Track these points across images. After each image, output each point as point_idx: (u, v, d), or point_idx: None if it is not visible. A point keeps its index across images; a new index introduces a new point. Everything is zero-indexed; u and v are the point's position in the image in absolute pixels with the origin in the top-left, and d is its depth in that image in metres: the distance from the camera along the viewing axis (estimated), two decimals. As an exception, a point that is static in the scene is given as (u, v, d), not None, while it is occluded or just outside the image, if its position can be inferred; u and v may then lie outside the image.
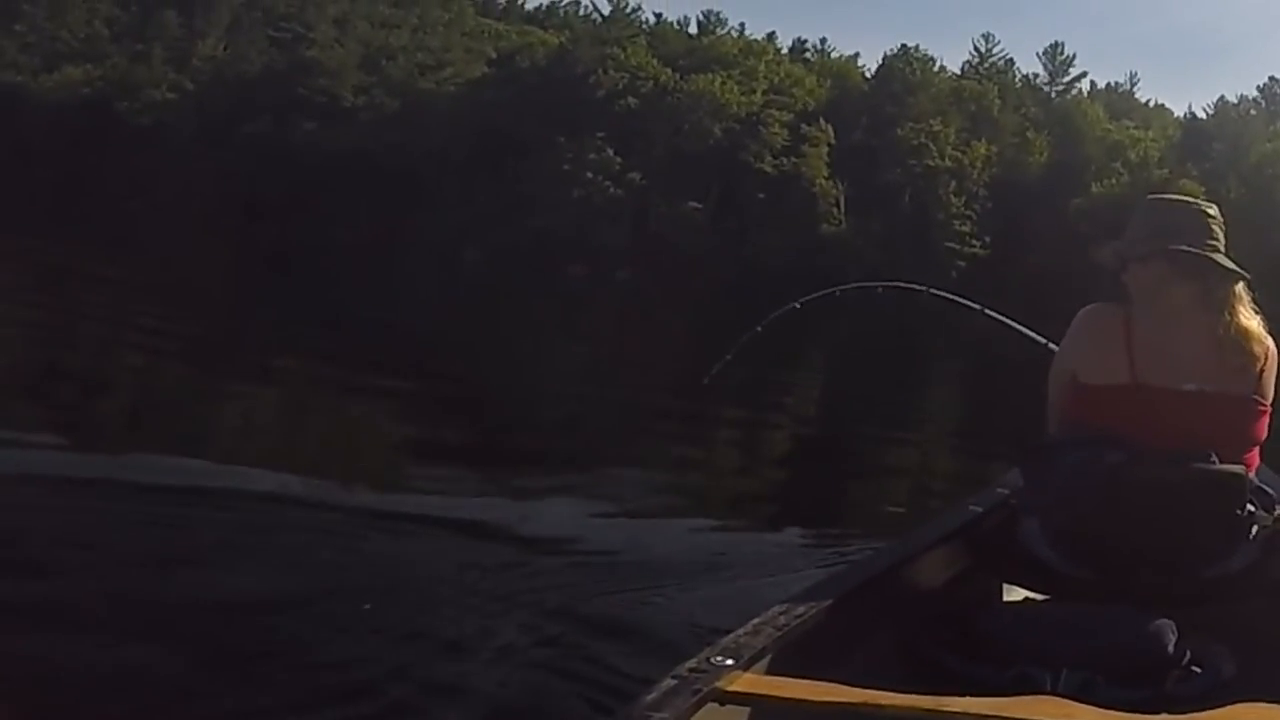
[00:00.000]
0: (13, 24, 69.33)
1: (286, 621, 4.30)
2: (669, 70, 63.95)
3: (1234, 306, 3.06)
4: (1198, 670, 2.64)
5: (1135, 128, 64.52)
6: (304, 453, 8.29)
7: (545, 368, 15.60)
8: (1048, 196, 56.49)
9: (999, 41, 77.71)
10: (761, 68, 66.03)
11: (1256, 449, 3.11)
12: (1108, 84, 73.81)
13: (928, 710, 2.13)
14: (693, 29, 74.09)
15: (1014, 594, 3.38)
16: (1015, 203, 57.78)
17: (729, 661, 2.22)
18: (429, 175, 59.80)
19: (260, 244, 38.79)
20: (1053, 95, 69.79)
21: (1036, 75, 71.41)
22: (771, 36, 73.93)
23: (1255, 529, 2.98)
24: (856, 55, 74.34)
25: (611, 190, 59.57)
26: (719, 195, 59.97)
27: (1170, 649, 2.66)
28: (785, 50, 73.22)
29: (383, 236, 49.28)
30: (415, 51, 69.98)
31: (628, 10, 73.37)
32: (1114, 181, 56.93)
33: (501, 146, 59.85)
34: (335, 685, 3.76)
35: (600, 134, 60.37)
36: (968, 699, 2.18)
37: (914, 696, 2.17)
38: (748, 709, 2.22)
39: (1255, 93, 64.81)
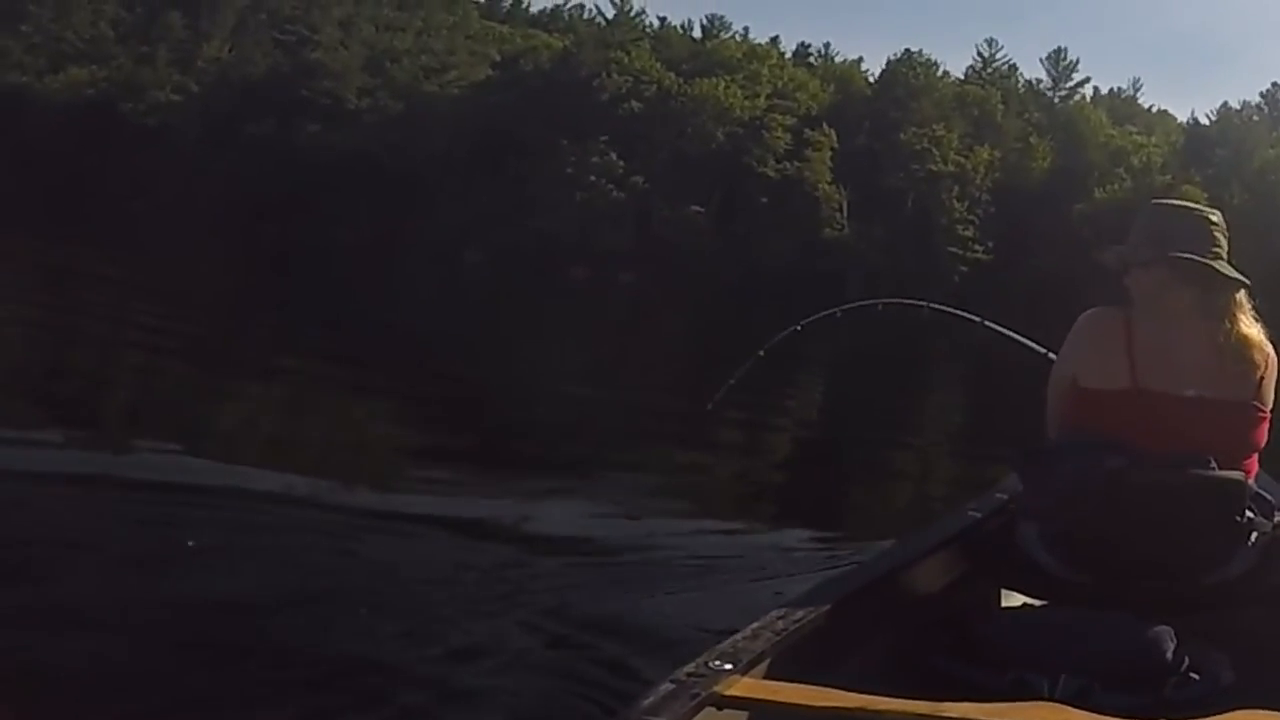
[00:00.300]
0: (18, 25, 69.26)
1: (286, 621, 4.31)
2: (673, 74, 63.98)
3: (1235, 314, 3.07)
4: (1196, 677, 2.64)
5: (1138, 133, 64.55)
6: (304, 453, 8.32)
7: (546, 370, 15.60)
8: (1050, 202, 56.53)
9: (1002, 47, 78.02)
10: (765, 72, 66.07)
11: (1256, 456, 3.10)
12: (1111, 89, 73.92)
13: (925, 715, 2.13)
14: (696, 33, 74.21)
15: (1012, 599, 3.37)
16: (1018, 208, 57.79)
17: (727, 666, 2.21)
18: (432, 177, 59.84)
19: (263, 244, 38.90)
20: (1056, 100, 69.81)
21: (1040, 80, 71.61)
22: (775, 41, 74.07)
23: (1254, 535, 2.98)
24: (860, 60, 74.17)
25: (614, 193, 59.59)
26: (722, 199, 59.99)
27: (1169, 655, 2.65)
28: (789, 54, 73.30)
29: (385, 238, 49.48)
30: (419, 54, 70.00)
31: (632, 14, 73.46)
32: (1117, 187, 56.95)
33: (505, 149, 59.87)
34: (334, 686, 3.76)
35: (604, 137, 60.40)
36: (965, 704, 2.19)
37: (912, 701, 2.17)
38: (746, 713, 2.22)
39: (1258, 99, 64.80)
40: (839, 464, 10.90)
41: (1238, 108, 64.01)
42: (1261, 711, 2.27)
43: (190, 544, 4.99)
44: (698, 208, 59.69)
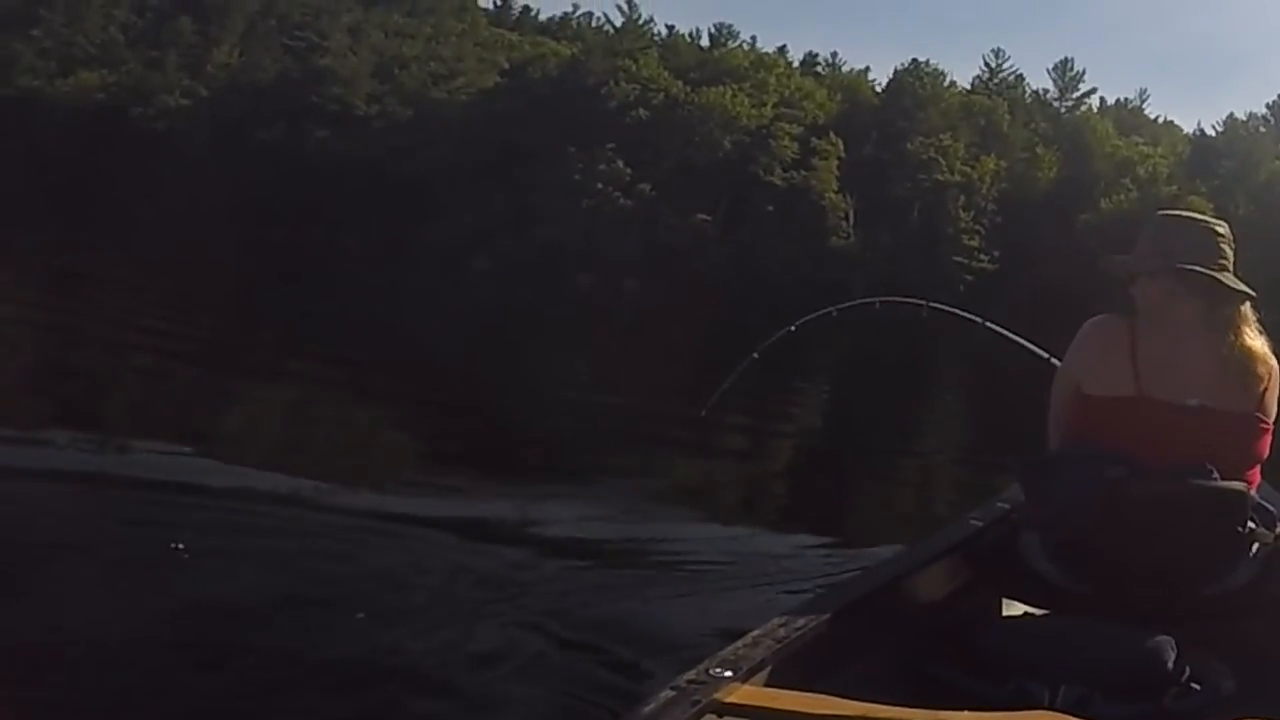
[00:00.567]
0: (30, 29, 69.60)
1: (288, 623, 4.38)
2: (680, 82, 63.96)
3: (1239, 326, 3.07)
4: (1197, 687, 2.63)
5: (1144, 144, 64.43)
6: (309, 457, 8.34)
7: (551, 376, 15.63)
8: (1056, 212, 56.39)
9: (1009, 57, 77.99)
10: (772, 81, 66.02)
11: (1258, 467, 3.10)
12: (1117, 100, 73.93)
13: None
14: (704, 41, 74.05)
15: (1013, 609, 3.35)
16: (1024, 218, 57.64)
17: (727, 673, 2.22)
18: (440, 184, 59.81)
19: (271, 250, 38.82)
20: (1062, 111, 69.77)
21: (1046, 91, 71.54)
22: (783, 50, 74.26)
23: (1256, 546, 2.97)
24: (867, 69, 74.18)
25: (621, 201, 59.53)
26: (728, 207, 59.91)
27: (1169, 665, 2.65)
28: (796, 63, 73.31)
29: (393, 244, 49.34)
30: (428, 61, 70.13)
31: (640, 22, 73.65)
32: (1123, 198, 56.81)
33: (512, 156, 59.88)
34: (335, 687, 3.82)
35: (611, 145, 60.29)
36: (966, 713, 2.19)
37: (912, 710, 2.17)
38: None
39: (1264, 110, 64.68)
40: (842, 471, 10.91)
41: (1244, 119, 63.91)
42: None
43: (181, 546, 5.00)
44: (704, 216, 59.64)
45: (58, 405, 8.94)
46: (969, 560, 3.33)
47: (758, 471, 10.83)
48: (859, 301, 5.60)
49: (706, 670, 2.21)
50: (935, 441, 14.50)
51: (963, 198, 59.97)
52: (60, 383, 10.17)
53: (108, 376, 11.16)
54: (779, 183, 60.53)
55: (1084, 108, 70.34)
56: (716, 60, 68.69)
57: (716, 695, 2.14)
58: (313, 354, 14.12)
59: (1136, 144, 64.00)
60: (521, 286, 40.28)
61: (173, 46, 71.25)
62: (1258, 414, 3.05)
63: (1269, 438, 3.08)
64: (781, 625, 2.50)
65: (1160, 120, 72.94)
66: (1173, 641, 2.69)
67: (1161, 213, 3.41)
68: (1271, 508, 3.09)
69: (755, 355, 5.18)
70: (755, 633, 2.45)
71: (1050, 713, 2.38)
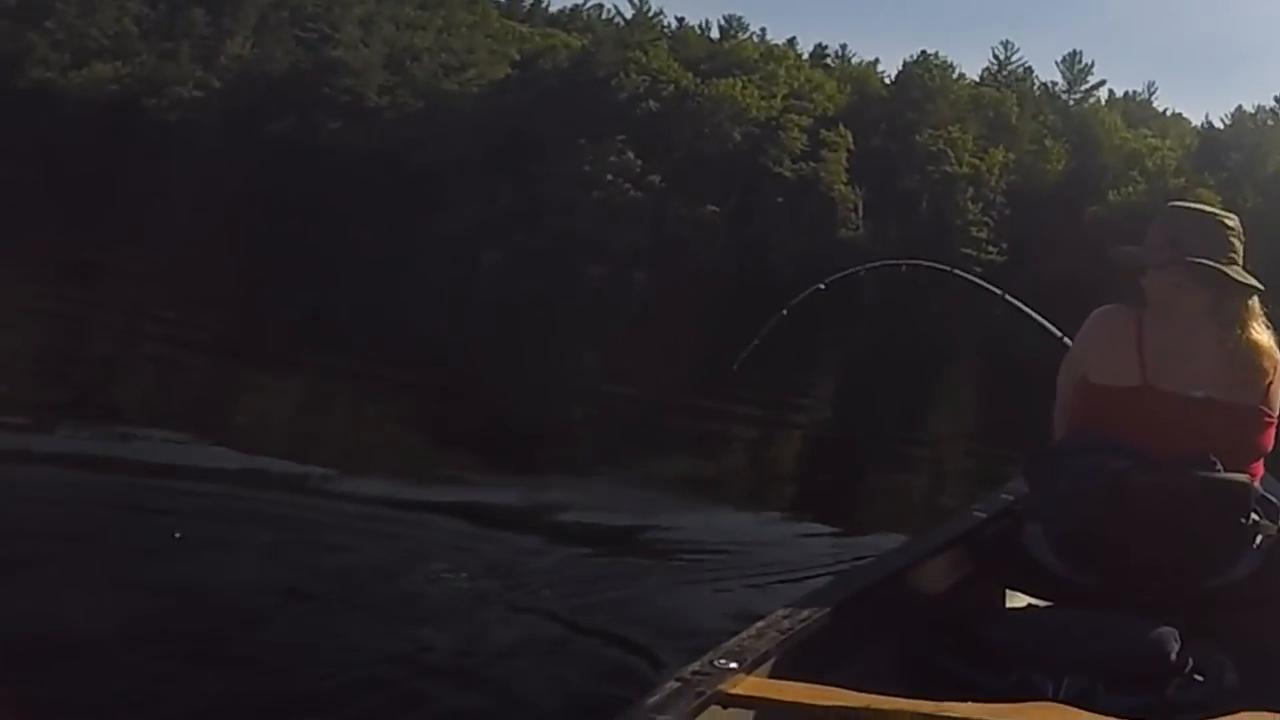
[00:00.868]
0: (44, 21, 69.85)
1: (294, 611, 4.42)
2: (690, 74, 64.07)
3: (1246, 320, 3.07)
4: (1200, 678, 2.64)
5: (1152, 136, 64.21)
6: (318, 446, 8.34)
7: (561, 367, 15.60)
8: (1064, 204, 56.22)
9: (1018, 49, 77.59)
10: (782, 73, 66.15)
11: (1261, 460, 3.11)
12: (1125, 93, 73.56)
13: (929, 715, 2.13)
14: (714, 33, 74.33)
15: (1017, 600, 3.35)
16: (1032, 210, 57.54)
17: (732, 664, 2.22)
18: (450, 175, 59.91)
19: (281, 240, 38.69)
20: (1071, 103, 69.61)
21: (1055, 83, 71.42)
22: (792, 42, 74.30)
23: (1259, 538, 2.97)
24: (876, 61, 74.35)
25: (631, 192, 59.64)
26: (738, 199, 59.95)
27: (1173, 657, 2.65)
28: (806, 55, 73.37)
29: (403, 235, 49.10)
30: (439, 52, 70.29)
31: (650, 14, 73.81)
32: (1131, 190, 56.65)
33: (523, 147, 59.99)
34: (340, 671, 3.85)
35: (621, 136, 60.46)
36: (969, 704, 2.19)
37: (916, 701, 2.17)
38: (750, 712, 2.24)
39: (1273, 103, 64.29)
40: (851, 461, 10.92)
41: (1252, 112, 63.49)
42: (1265, 713, 2.28)
43: (180, 535, 4.99)
44: (714, 207, 59.71)
45: (67, 393, 8.94)
46: (973, 552, 3.34)
47: (767, 461, 10.82)
48: (885, 262, 5.75)
49: (711, 661, 2.22)
50: (945, 432, 14.47)
51: (971, 190, 59.92)
52: (70, 371, 10.14)
53: (117, 366, 11.15)
54: (788, 174, 60.57)
55: (1092, 100, 70.21)
56: (726, 52, 68.74)
57: (721, 686, 2.15)
58: (322, 344, 13.97)
59: (1144, 136, 63.80)
60: (531, 277, 40.02)
61: (185, 38, 71.51)
62: (1262, 407, 3.06)
63: (1273, 431, 3.10)
64: (786, 617, 2.51)
65: (1168, 113, 72.56)
66: (1176, 633, 2.70)
67: (1173, 204, 3.42)
68: (1275, 500, 3.09)
69: (784, 312, 5.17)
70: (760, 624, 2.46)
71: (1053, 704, 2.40)
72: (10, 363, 9.84)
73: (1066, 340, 3.95)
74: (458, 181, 59.62)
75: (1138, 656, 2.65)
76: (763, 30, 76.35)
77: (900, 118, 63.54)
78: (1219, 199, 40.63)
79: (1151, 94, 74.38)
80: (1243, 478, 2.96)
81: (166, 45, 71.31)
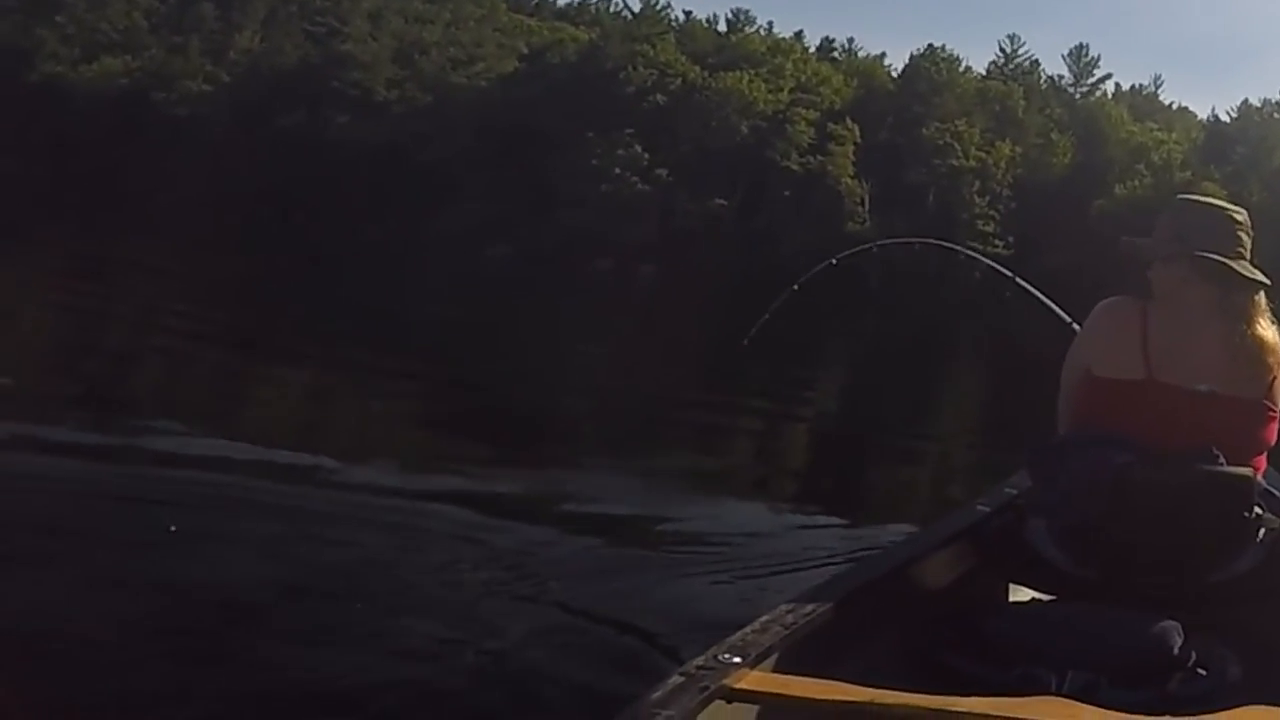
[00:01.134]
0: (54, 15, 69.96)
1: (299, 604, 4.43)
2: (697, 68, 64.10)
3: (1252, 315, 3.07)
4: (1203, 672, 2.63)
5: (1158, 130, 64.09)
6: (326, 438, 8.35)
7: (567, 360, 15.61)
8: (1071, 197, 56.18)
9: (1024, 43, 77.74)
10: (789, 66, 66.06)
11: (1265, 454, 3.12)
12: (1131, 86, 73.60)
13: (933, 710, 2.14)
14: (721, 27, 74.33)
15: (1020, 594, 3.36)
16: (1038, 203, 57.47)
17: (736, 659, 2.22)
18: (458, 169, 59.98)
19: (290, 234, 38.81)
20: (1077, 97, 69.63)
21: (1061, 77, 71.48)
22: (799, 35, 74.37)
23: (1262, 531, 2.97)
24: (883, 55, 74.31)
25: (639, 186, 59.66)
26: (745, 192, 59.95)
27: (1176, 650, 2.65)
28: (813, 49, 73.36)
29: (412, 229, 49.10)
30: (448, 46, 70.29)
31: (658, 7, 73.75)
32: (1137, 183, 56.64)
33: (531, 141, 60.02)
34: (342, 663, 3.88)
35: (629, 130, 60.44)
36: (972, 699, 2.19)
37: (919, 696, 2.18)
38: (755, 707, 2.24)
39: (1278, 97, 64.62)
40: (857, 455, 10.94)
41: (1258, 105, 63.41)
42: (1268, 707, 2.28)
43: (180, 528, 5.00)
44: (721, 200, 59.76)
45: (74, 385, 8.97)
46: (976, 546, 3.34)
47: (772, 454, 10.86)
48: (899, 240, 5.71)
49: (715, 656, 2.22)
50: (950, 425, 14.53)
51: (978, 183, 59.89)
52: (78, 364, 10.22)
53: (125, 358, 11.19)
54: (795, 168, 60.59)
55: (1098, 94, 70.26)
56: (733, 45, 68.75)
57: (725, 681, 2.15)
58: (329, 337, 13.97)
59: (1151, 130, 63.67)
60: (539, 271, 39.94)
61: (195, 32, 71.59)
62: (1266, 401, 3.06)
63: (1276, 425, 3.10)
64: (790, 611, 2.51)
65: (1174, 106, 72.66)
66: (1179, 627, 2.70)
67: (1181, 198, 3.42)
68: (1278, 494, 3.13)
69: (796, 287, 5.25)
70: (764, 618, 2.46)
71: (1057, 698, 2.40)
72: (20, 355, 9.95)
73: (1075, 325, 3.95)
74: (465, 175, 59.66)
75: (1141, 650, 2.65)
76: (770, 24, 76.87)
77: (907, 111, 63.48)
78: (1225, 193, 40.53)
79: (1158, 87, 74.85)
80: (1246, 472, 2.97)
81: (176, 39, 71.41)
